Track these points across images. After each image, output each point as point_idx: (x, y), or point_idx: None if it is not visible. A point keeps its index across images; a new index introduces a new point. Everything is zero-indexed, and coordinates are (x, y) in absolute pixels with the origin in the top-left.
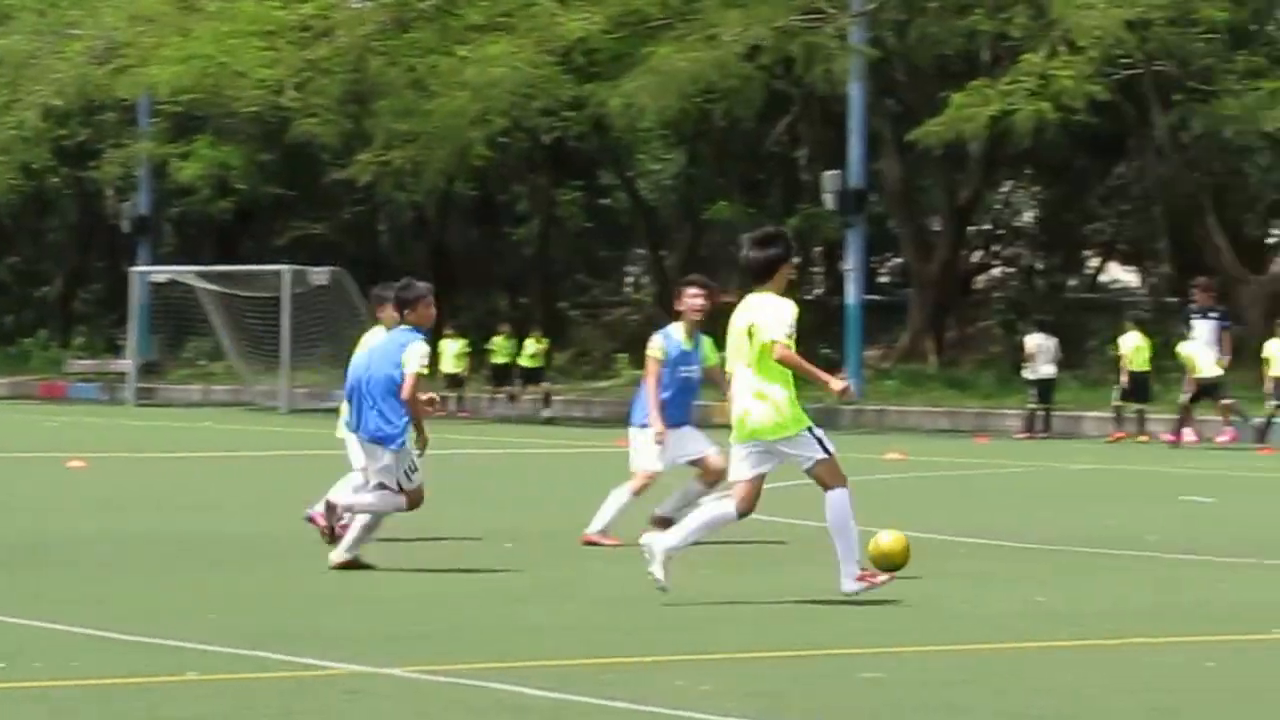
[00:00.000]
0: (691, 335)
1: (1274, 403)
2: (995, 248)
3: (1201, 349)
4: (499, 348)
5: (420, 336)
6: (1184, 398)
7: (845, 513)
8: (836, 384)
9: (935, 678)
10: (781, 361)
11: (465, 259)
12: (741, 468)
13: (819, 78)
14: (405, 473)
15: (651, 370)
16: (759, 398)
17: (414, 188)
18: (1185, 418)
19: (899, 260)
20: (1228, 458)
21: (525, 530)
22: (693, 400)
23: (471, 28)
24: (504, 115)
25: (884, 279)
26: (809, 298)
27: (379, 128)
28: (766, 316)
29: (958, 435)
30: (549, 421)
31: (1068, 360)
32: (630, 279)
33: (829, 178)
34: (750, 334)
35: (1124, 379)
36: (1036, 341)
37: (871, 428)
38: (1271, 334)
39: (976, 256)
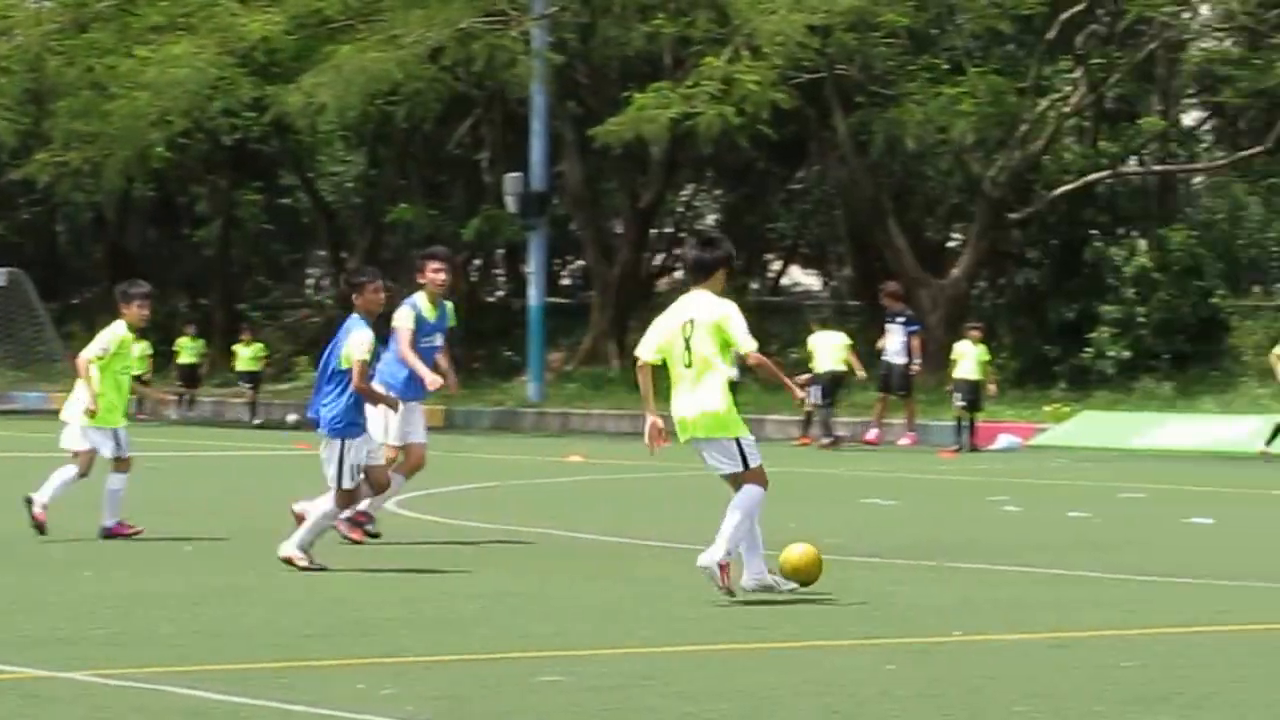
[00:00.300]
0: (436, 305)
1: (960, 404)
2: (678, 250)
3: (825, 343)
4: (184, 348)
5: (365, 324)
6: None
7: (754, 504)
8: (800, 393)
9: (616, 681)
10: (757, 368)
11: (144, 260)
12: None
13: (503, 80)
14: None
15: (404, 339)
16: (705, 399)
17: (93, 188)
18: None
19: (581, 263)
20: (910, 460)
21: (210, 532)
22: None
23: (152, 28)
24: (184, 116)
25: (566, 281)
26: (491, 299)
27: (57, 128)
28: (729, 324)
29: (638, 438)
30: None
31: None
32: (311, 281)
33: (511, 180)
34: (688, 333)
35: (802, 379)
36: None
37: (554, 431)
38: (958, 336)
39: (659, 259)
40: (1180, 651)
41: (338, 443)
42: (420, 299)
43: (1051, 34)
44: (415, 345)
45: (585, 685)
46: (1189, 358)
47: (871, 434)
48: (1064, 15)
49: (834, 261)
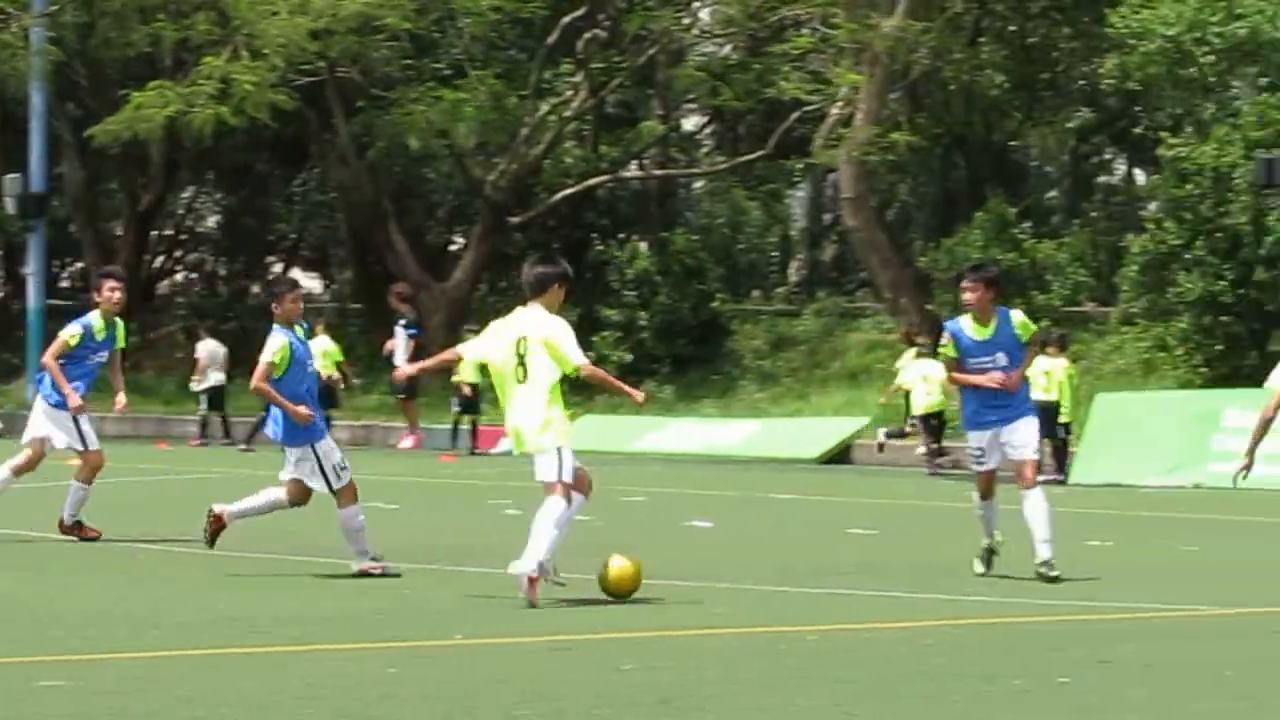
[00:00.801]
0: (108, 323)
1: (457, 408)
2: (178, 253)
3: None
4: None
5: (283, 331)
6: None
7: (563, 515)
8: (639, 395)
9: (118, 685)
10: (590, 379)
11: None
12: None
13: (8, 76)
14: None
15: (56, 349)
16: (542, 414)
17: None
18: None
19: (81, 265)
20: (412, 463)
21: None
22: (93, 383)
23: None
24: None
25: (66, 284)
26: None
27: None
28: (559, 340)
29: (139, 441)
30: None
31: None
32: None
33: (9, 181)
34: (523, 349)
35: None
36: (209, 349)
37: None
38: (460, 339)
39: (159, 262)
40: (681, 655)
41: (309, 449)
42: (94, 317)
43: (553, 38)
44: (84, 360)
45: (88, 689)
46: (690, 361)
47: (409, 441)
48: (565, 20)
49: (336, 264)
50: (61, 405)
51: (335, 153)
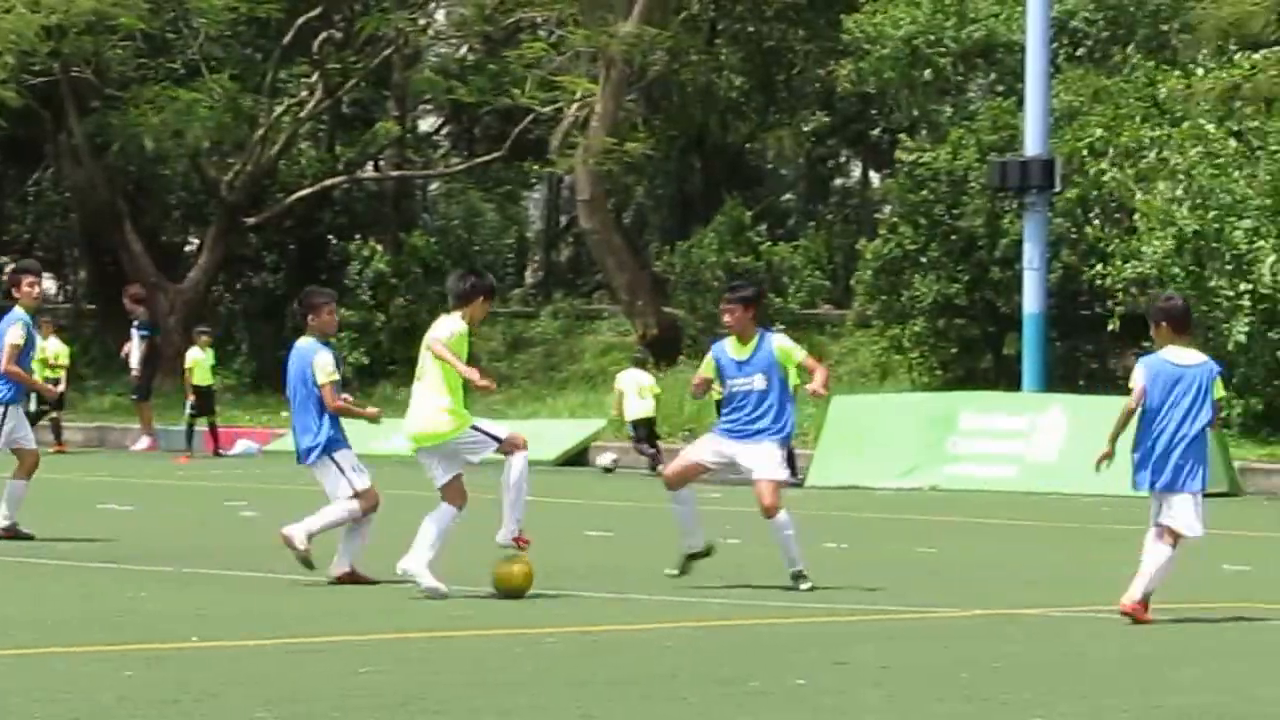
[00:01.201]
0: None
1: (191, 410)
2: None
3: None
4: None
5: (324, 346)
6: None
7: (523, 474)
8: (372, 410)
9: None
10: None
11: None
12: (438, 474)
13: None
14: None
15: (11, 355)
16: (436, 407)
17: None
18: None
19: None
20: (148, 465)
21: None
22: None
23: None
24: None
25: None
26: None
27: None
28: (434, 343)
29: None
30: None
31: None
32: None
33: None
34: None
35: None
36: None
37: None
38: (191, 342)
39: None
40: (419, 657)
41: (329, 461)
42: (23, 313)
43: (288, 38)
44: (26, 358)
45: None
46: None
47: (144, 442)
48: (301, 20)
49: (70, 265)
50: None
51: (69, 153)
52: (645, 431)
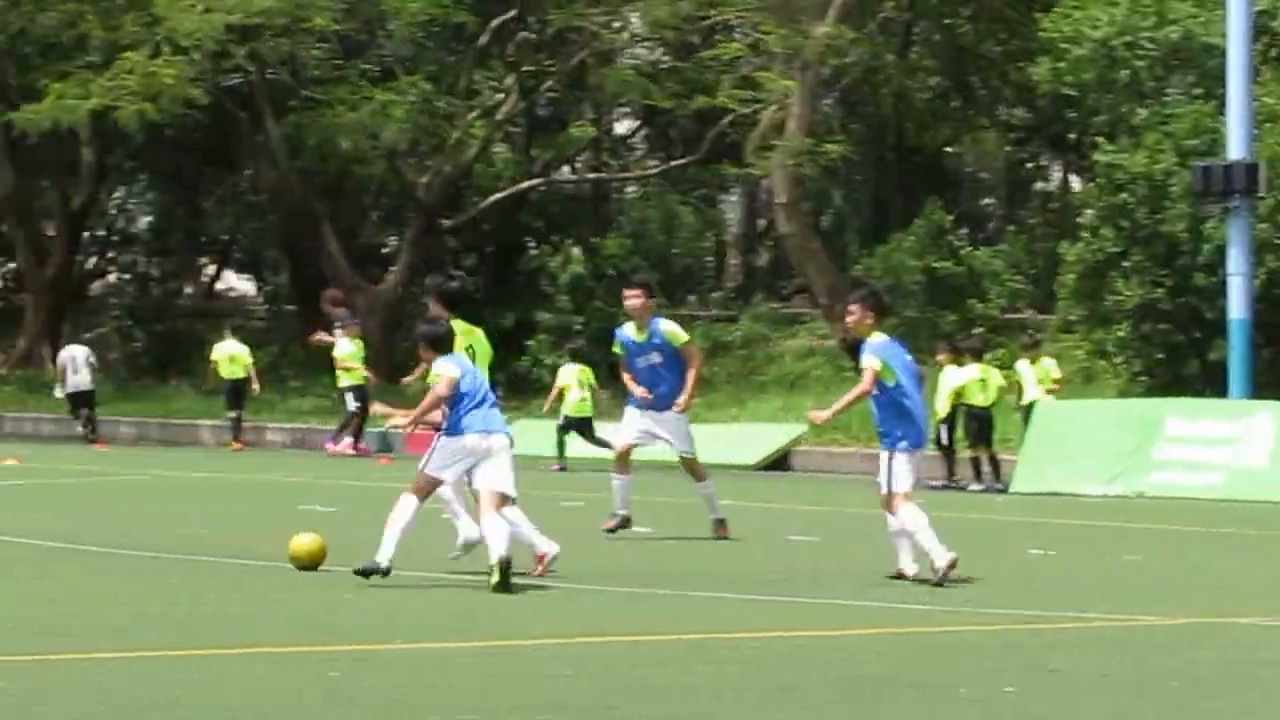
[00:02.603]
0: None
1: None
2: (111, 254)
3: (224, 352)
4: None
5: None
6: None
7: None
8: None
9: (55, 686)
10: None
11: None
12: None
13: None
14: None
15: None
16: None
17: None
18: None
19: (14, 265)
20: (349, 467)
21: None
22: None
23: None
24: None
25: None
26: None
27: None
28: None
29: (75, 442)
30: None
31: (182, 367)
32: None
33: None
34: None
35: (209, 382)
36: (70, 353)
37: None
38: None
39: (92, 262)
40: (621, 660)
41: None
42: None
43: (483, 40)
44: None
45: (18, 689)
46: None
47: (345, 443)
48: (495, 23)
49: (269, 266)
50: None
51: (265, 154)
52: (582, 424)
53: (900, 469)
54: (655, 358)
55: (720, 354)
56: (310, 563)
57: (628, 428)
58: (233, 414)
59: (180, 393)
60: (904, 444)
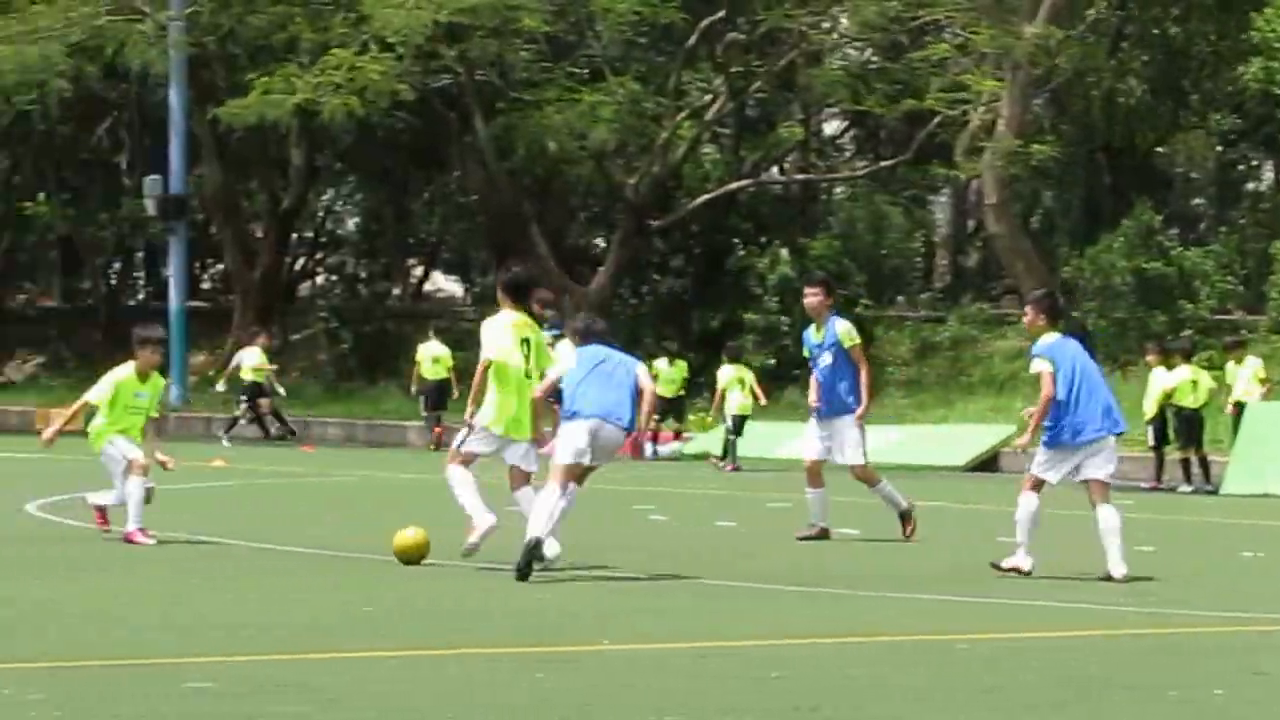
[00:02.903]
0: None
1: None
2: (319, 255)
3: (428, 354)
4: None
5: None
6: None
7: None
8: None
9: (263, 686)
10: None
11: None
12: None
13: (142, 64)
14: None
15: None
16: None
17: None
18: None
19: (222, 266)
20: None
21: None
22: None
23: None
24: None
25: (207, 285)
26: (131, 303)
27: None
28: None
29: (281, 443)
30: None
31: (389, 368)
32: None
33: (149, 183)
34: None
35: (414, 384)
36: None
37: (196, 435)
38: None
39: (300, 263)
40: (829, 662)
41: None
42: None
43: (691, 41)
44: None
45: (231, 692)
46: None
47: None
48: (704, 23)
49: (476, 267)
50: None
51: (474, 155)
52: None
53: (1039, 457)
54: (827, 359)
55: (928, 355)
56: (416, 556)
57: (809, 440)
58: (432, 414)
59: (388, 394)
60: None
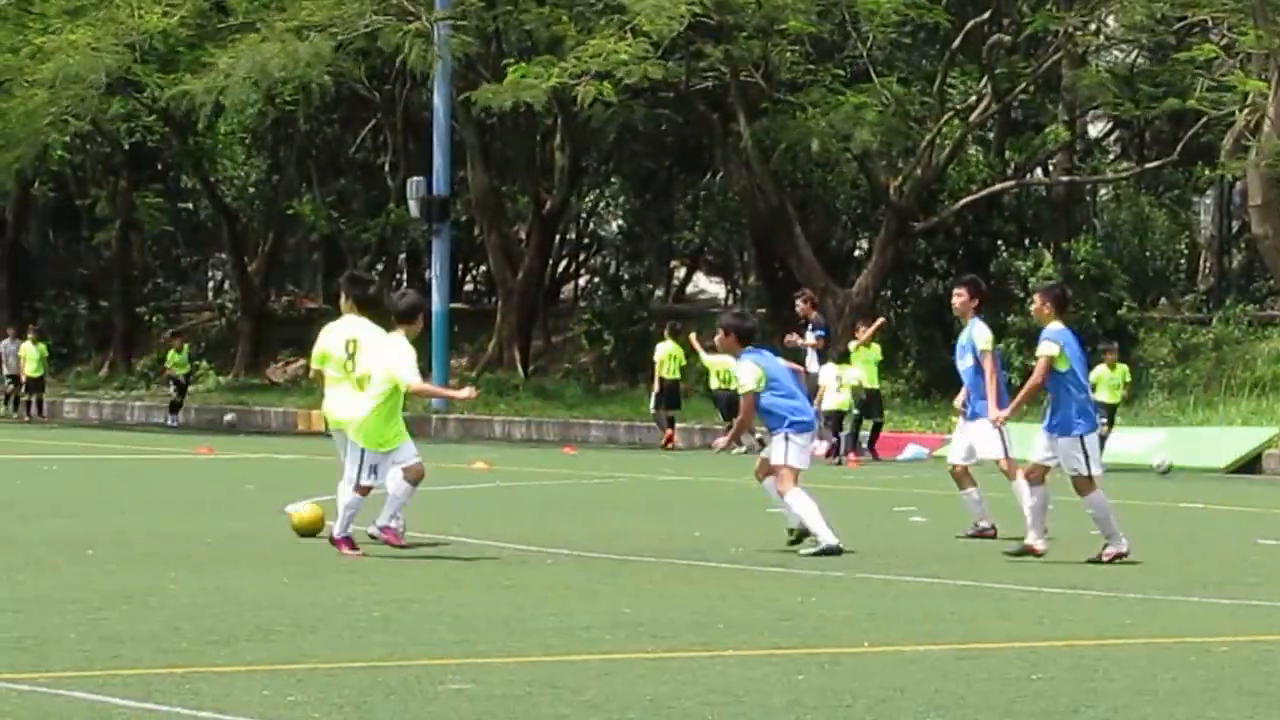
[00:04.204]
0: None
1: (854, 412)
2: (582, 257)
3: (663, 352)
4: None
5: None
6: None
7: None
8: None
9: (521, 689)
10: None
11: (43, 262)
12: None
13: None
14: None
15: None
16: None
17: None
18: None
19: (485, 268)
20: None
21: (106, 537)
22: None
23: (48, 29)
24: (80, 119)
25: (469, 287)
26: None
27: None
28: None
29: (544, 445)
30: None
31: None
32: (212, 284)
33: (413, 184)
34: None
35: (655, 385)
36: None
37: (457, 437)
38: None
39: (563, 265)
40: (1093, 664)
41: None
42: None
43: (956, 43)
44: None
45: (491, 694)
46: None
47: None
48: (969, 24)
49: (739, 269)
50: None
51: (738, 157)
52: (835, 423)
53: (1093, 452)
54: (969, 361)
55: (1191, 357)
56: (313, 530)
57: (954, 444)
58: (667, 413)
59: (623, 394)
60: (1078, 429)
